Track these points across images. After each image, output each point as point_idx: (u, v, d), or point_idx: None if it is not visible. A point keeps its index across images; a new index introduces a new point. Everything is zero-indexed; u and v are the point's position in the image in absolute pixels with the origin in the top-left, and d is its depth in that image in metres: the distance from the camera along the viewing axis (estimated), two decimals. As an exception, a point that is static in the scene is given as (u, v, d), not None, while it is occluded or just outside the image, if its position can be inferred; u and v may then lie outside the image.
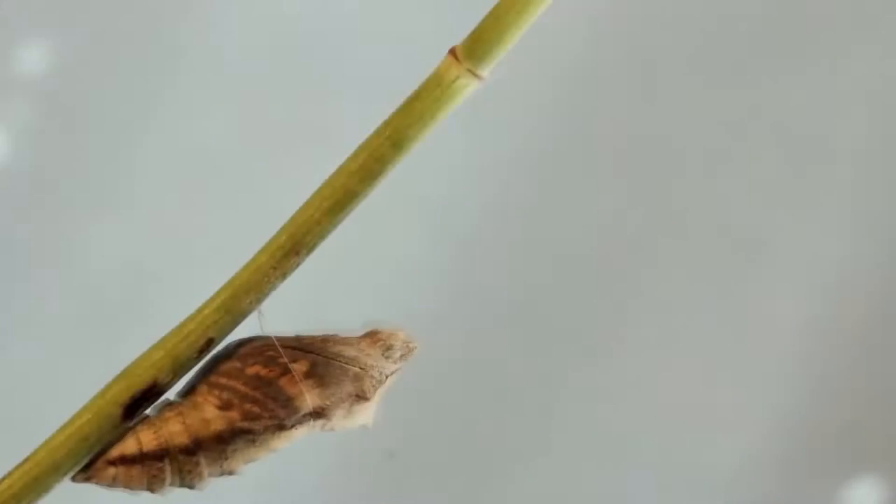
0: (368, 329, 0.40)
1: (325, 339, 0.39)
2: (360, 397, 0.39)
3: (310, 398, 0.38)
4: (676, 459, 0.94)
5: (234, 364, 0.38)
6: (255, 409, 0.38)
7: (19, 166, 0.91)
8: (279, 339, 0.39)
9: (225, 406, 0.38)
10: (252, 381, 0.38)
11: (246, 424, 0.38)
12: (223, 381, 0.38)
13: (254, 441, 0.38)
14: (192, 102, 0.91)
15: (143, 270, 0.91)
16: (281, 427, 0.38)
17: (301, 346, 0.39)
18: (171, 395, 0.39)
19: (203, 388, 0.38)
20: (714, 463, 0.93)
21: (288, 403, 0.38)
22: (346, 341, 0.39)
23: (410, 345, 0.40)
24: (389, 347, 0.39)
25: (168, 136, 0.91)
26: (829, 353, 0.94)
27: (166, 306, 0.87)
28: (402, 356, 0.40)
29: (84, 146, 0.91)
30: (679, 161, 0.94)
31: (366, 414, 0.39)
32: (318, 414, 0.39)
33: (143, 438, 0.38)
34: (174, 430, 0.38)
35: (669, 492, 0.94)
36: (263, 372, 0.38)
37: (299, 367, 0.38)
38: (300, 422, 0.38)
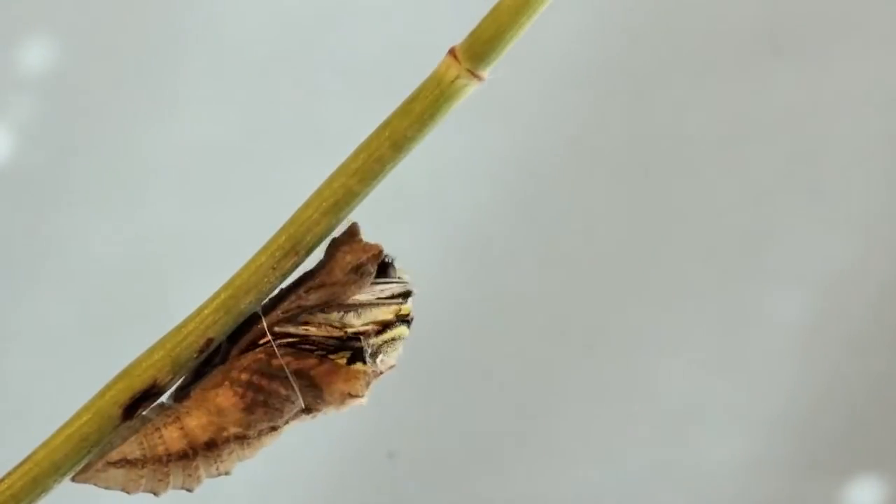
0: (328, 248, 0.39)
1: (309, 304, 0.38)
2: (352, 395, 0.39)
3: (302, 398, 0.38)
4: (676, 459, 0.94)
5: (228, 366, 0.38)
6: (250, 414, 0.38)
7: (21, 165, 0.91)
8: (266, 318, 0.38)
9: (219, 412, 0.38)
10: (245, 385, 0.38)
11: (239, 430, 0.38)
12: (217, 384, 0.38)
13: (247, 443, 0.38)
14: (192, 103, 0.91)
15: (142, 270, 0.91)
16: (273, 428, 0.39)
17: (290, 334, 0.38)
18: (168, 398, 0.39)
19: (198, 393, 0.38)
20: (714, 463, 0.93)
21: (281, 405, 0.38)
22: (321, 280, 0.38)
23: (372, 252, 0.39)
24: (361, 266, 0.39)
25: (167, 137, 0.91)
26: (829, 353, 0.94)
27: (166, 306, 0.87)
28: (370, 263, 0.39)
29: (84, 146, 0.91)
30: (678, 161, 0.94)
31: (362, 398, 0.39)
32: (309, 409, 0.39)
33: (146, 442, 0.38)
34: (173, 436, 0.38)
35: (669, 492, 0.94)
36: (256, 375, 0.38)
37: (292, 367, 0.38)
38: (291, 418, 0.39)
